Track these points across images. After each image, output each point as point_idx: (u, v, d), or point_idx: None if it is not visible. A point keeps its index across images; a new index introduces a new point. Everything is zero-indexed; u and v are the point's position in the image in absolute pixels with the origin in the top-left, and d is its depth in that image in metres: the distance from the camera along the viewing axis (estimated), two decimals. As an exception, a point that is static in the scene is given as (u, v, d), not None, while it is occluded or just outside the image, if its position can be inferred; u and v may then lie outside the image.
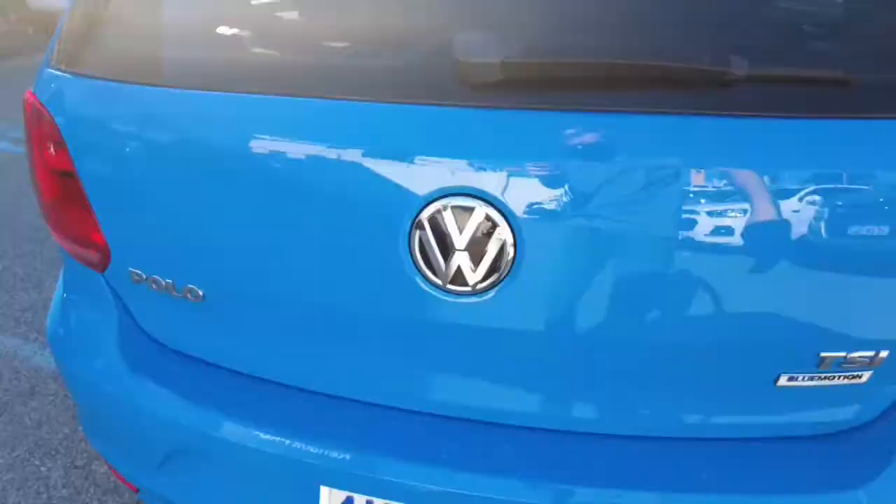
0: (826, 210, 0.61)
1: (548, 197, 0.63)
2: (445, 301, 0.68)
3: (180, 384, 0.87)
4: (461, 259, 0.65)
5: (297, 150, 0.70)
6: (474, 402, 0.79)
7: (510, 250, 0.65)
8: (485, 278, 0.66)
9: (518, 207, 0.63)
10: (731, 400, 0.74)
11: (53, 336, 1.00)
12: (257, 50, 0.76)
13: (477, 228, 0.64)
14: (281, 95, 0.70)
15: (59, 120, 0.82)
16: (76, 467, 1.53)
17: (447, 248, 0.65)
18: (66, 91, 0.84)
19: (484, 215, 0.64)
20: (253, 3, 0.79)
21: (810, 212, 0.61)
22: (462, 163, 0.64)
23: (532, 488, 0.73)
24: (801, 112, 0.60)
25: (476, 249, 0.65)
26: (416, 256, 0.66)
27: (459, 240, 0.65)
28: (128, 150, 0.78)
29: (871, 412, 0.75)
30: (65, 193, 0.86)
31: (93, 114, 0.81)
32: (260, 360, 0.87)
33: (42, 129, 0.84)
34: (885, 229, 0.61)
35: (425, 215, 0.65)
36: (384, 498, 0.77)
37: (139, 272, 0.85)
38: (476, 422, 0.79)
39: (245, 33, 0.76)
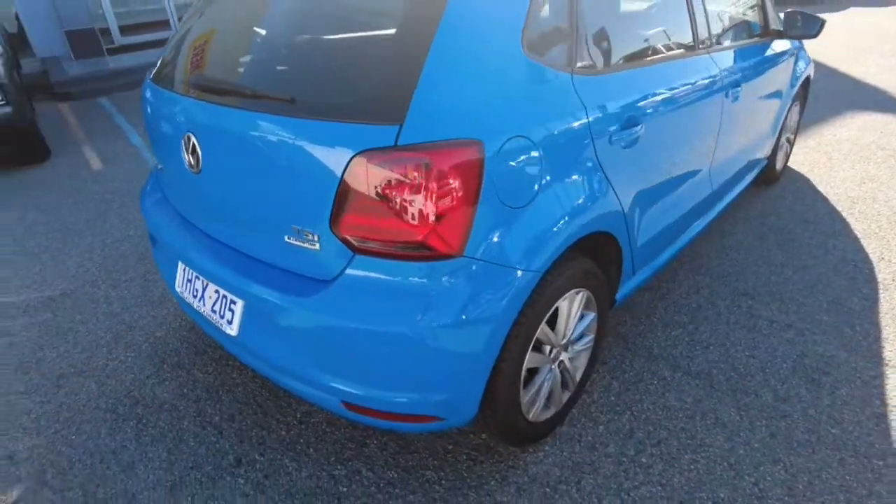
0: (270, 161, 1.37)
1: (210, 139, 1.49)
2: (193, 175, 1.59)
3: (159, 211, 1.92)
4: (191, 158, 1.55)
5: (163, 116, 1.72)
6: (207, 224, 1.69)
7: (200, 158, 1.52)
8: (198, 167, 1.54)
9: (204, 142, 1.50)
10: (281, 244, 1.44)
11: (141, 193, 2.10)
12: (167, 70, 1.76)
13: (193, 147, 1.53)
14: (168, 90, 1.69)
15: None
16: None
17: (188, 152, 1.56)
18: (144, 87, 1.92)
19: (193, 141, 1.52)
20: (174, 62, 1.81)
21: (270, 163, 1.37)
22: (189, 119, 1.55)
23: (224, 267, 1.60)
24: (273, 112, 1.34)
25: (196, 155, 1.53)
26: (183, 156, 1.58)
27: (190, 150, 1.55)
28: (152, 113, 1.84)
29: (332, 271, 1.36)
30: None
31: (145, 95, 1.88)
32: (174, 200, 1.85)
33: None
34: (283, 174, 1.36)
35: (184, 140, 1.56)
36: (192, 268, 1.72)
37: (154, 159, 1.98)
38: (210, 236, 1.69)
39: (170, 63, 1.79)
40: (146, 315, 2.60)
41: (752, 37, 2.67)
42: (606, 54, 1.66)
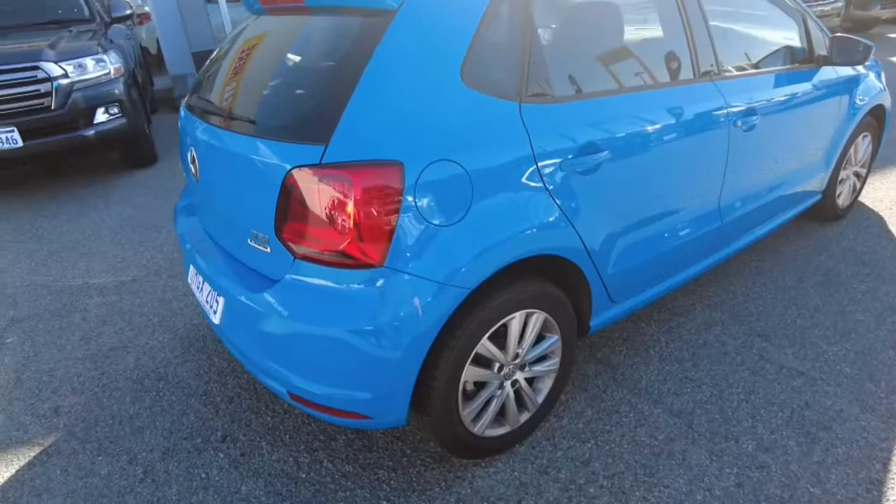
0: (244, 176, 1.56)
1: (204, 154, 1.72)
2: (195, 183, 1.84)
3: (183, 215, 2.17)
4: (194, 168, 1.80)
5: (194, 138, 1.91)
6: (207, 225, 1.94)
7: (198, 169, 1.74)
8: (197, 176, 1.78)
9: (200, 155, 1.73)
10: (246, 246, 1.64)
11: (175, 209, 2.36)
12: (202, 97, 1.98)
13: (195, 159, 1.76)
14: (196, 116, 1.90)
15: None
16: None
17: (192, 164, 1.81)
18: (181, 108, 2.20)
19: (192, 155, 1.75)
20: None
21: (237, 174, 1.58)
22: (193, 135, 1.78)
23: (212, 265, 1.82)
24: (240, 131, 1.60)
25: (196, 166, 1.77)
26: (190, 167, 1.81)
27: (191, 161, 1.79)
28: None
29: (280, 272, 1.53)
30: None
31: (180, 115, 2.14)
32: (195, 205, 2.11)
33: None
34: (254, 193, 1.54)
35: (190, 153, 1.77)
36: (193, 264, 1.95)
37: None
38: (211, 237, 1.93)
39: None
40: (190, 304, 2.96)
41: (792, 63, 2.52)
42: (569, 83, 1.69)
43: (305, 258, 1.45)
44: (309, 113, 1.40)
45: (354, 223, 1.35)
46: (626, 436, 1.94)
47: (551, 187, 1.61)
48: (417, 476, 1.84)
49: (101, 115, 4.74)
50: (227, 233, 1.74)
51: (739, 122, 2.16)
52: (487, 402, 1.77)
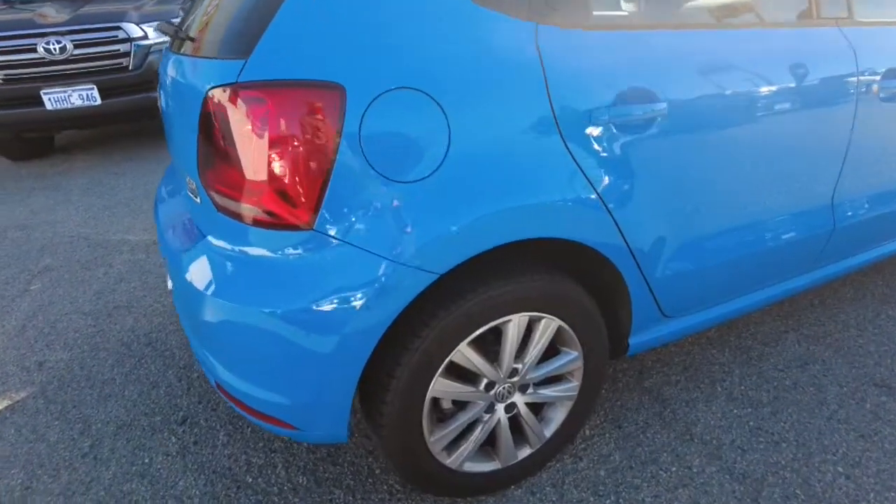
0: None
1: (164, 83, 1.39)
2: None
3: (163, 205, 1.83)
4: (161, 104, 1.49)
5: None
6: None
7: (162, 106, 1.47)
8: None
9: (161, 86, 1.42)
10: (186, 196, 1.36)
11: (156, 196, 2.08)
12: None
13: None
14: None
15: None
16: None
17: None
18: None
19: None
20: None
21: (174, 105, 1.18)
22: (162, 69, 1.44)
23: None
24: (177, 52, 1.27)
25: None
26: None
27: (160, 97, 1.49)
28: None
29: (207, 229, 1.22)
30: None
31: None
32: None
33: None
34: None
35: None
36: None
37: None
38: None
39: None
40: (207, 269, 2.78)
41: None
42: (613, 4, 1.22)
43: (227, 212, 1.12)
44: (238, 21, 1.06)
45: (272, 166, 0.99)
46: (661, 497, 1.43)
47: (572, 145, 1.15)
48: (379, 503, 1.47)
49: (175, 79, 4.79)
50: (178, 181, 1.46)
51: (875, 88, 1.55)
52: (469, 428, 1.36)
